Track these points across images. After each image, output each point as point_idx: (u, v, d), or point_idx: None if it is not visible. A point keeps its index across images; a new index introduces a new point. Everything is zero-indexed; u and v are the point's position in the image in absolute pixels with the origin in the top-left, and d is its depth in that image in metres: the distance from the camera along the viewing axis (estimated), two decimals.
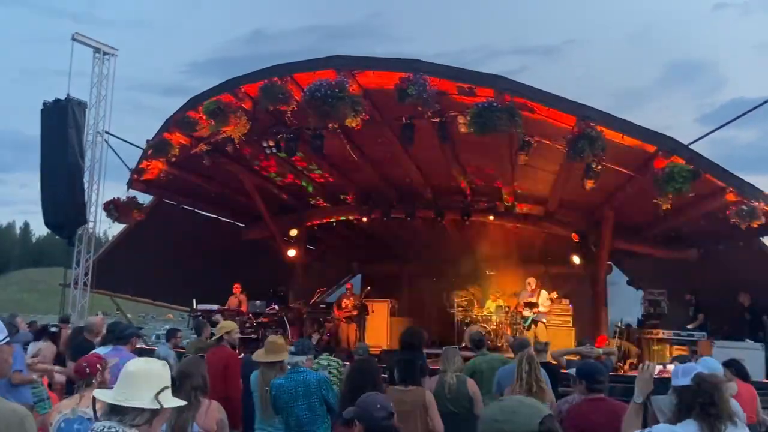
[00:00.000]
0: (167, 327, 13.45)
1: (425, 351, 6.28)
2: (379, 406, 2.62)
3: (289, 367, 4.53)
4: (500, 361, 6.12)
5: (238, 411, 5.33)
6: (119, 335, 4.39)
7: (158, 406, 1.93)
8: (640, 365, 3.29)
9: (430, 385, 5.12)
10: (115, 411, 1.91)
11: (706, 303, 10.99)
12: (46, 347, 7.12)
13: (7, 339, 2.17)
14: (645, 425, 2.99)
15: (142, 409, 1.91)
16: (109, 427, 1.86)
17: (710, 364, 3.44)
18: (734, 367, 4.97)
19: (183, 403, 2.12)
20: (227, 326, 5.58)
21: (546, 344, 6.61)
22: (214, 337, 5.52)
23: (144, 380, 1.95)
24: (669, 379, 3.10)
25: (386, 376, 5.28)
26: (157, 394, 1.93)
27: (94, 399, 2.10)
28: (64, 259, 15.18)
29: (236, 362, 5.50)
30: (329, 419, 4.39)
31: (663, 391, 3.14)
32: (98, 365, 3.39)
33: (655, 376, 3.27)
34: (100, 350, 4.38)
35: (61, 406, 3.29)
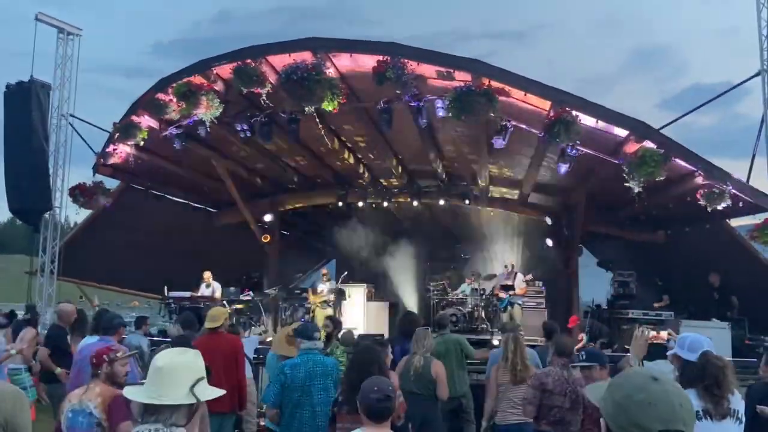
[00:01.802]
0: (134, 314, 13.22)
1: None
2: (376, 388, 2.68)
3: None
4: (456, 342, 6.38)
5: (246, 394, 5.43)
6: (106, 325, 4.28)
7: (195, 400, 1.79)
8: (636, 330, 3.38)
9: (398, 367, 5.24)
10: (150, 410, 1.78)
11: (673, 284, 11.32)
12: (26, 331, 6.97)
13: None
14: None
15: (179, 406, 1.78)
16: (157, 429, 1.73)
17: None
18: None
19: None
20: (222, 313, 5.48)
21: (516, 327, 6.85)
22: (207, 326, 5.39)
23: (177, 374, 1.80)
24: (659, 344, 3.18)
25: None
26: (192, 386, 1.79)
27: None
28: (26, 246, 14.77)
29: (242, 348, 5.53)
30: None
31: (656, 355, 3.22)
32: (104, 356, 3.27)
33: (649, 341, 3.37)
34: (87, 340, 4.28)
35: (71, 396, 3.20)
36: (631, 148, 8.44)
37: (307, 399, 4.20)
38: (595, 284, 13.18)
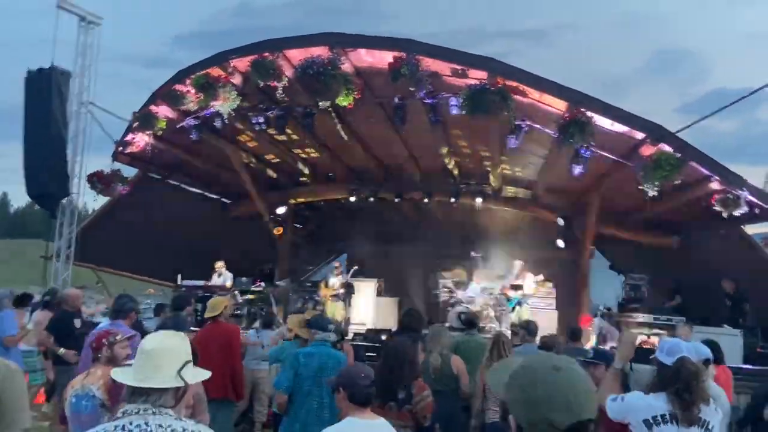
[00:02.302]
0: (149, 302, 13.42)
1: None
2: (363, 375, 2.82)
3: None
4: (483, 346, 6.19)
5: (242, 382, 5.50)
6: (118, 309, 4.38)
7: (182, 383, 1.83)
8: (622, 332, 3.40)
9: None
10: (138, 392, 1.80)
11: (686, 289, 11.22)
12: (41, 314, 7.11)
13: None
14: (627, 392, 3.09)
15: (166, 389, 1.81)
16: (145, 410, 1.77)
17: (700, 349, 3.50)
18: (710, 349, 5.12)
19: (208, 374, 2.01)
20: (220, 302, 5.57)
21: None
22: (207, 315, 5.49)
23: (163, 357, 1.83)
24: (649, 350, 3.18)
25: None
26: (180, 370, 1.83)
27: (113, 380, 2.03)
28: (44, 231, 14.99)
29: (238, 336, 5.60)
30: None
31: (643, 359, 3.21)
32: (104, 340, 3.33)
33: (636, 345, 3.36)
34: (101, 325, 4.38)
35: (74, 381, 3.24)
36: (647, 151, 8.37)
37: (317, 390, 4.23)
38: (606, 287, 13.11)
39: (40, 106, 10.83)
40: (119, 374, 1.90)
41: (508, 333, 6.81)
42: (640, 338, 5.89)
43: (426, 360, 5.25)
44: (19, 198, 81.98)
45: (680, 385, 2.79)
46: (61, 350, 5.87)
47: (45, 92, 10.80)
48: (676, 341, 3.13)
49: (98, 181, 11.74)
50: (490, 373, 1.83)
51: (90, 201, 12.41)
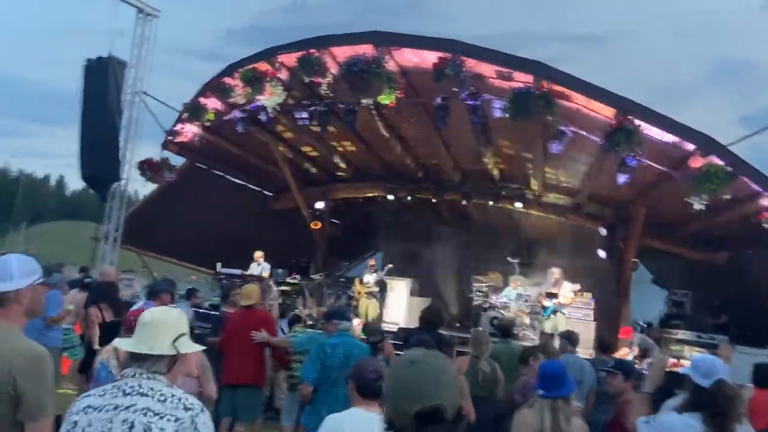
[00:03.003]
0: (191, 287, 13.78)
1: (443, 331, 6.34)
2: (371, 368, 2.92)
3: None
4: (517, 353, 6.10)
5: (263, 369, 5.63)
6: (150, 290, 4.55)
7: (175, 352, 2.00)
8: (653, 355, 3.30)
9: (459, 366, 5.20)
10: (135, 358, 1.99)
11: (731, 307, 10.80)
12: (80, 296, 7.39)
13: (42, 279, 2.19)
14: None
15: (161, 356, 1.98)
16: (140, 374, 1.96)
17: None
18: (761, 371, 4.95)
19: (201, 348, 2.18)
20: (253, 290, 5.68)
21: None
22: (242, 303, 5.62)
23: (160, 328, 2.02)
24: (679, 374, 3.02)
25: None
26: (174, 340, 2.00)
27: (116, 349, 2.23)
28: (96, 214, 15.59)
29: (272, 324, 5.71)
30: None
31: (674, 384, 3.08)
32: (132, 318, 3.50)
33: (667, 369, 3.25)
34: (137, 304, 4.56)
35: (104, 350, 3.54)
36: (696, 162, 8.09)
37: (343, 379, 4.29)
38: (648, 301, 12.74)
39: (97, 93, 11.29)
40: (121, 343, 2.13)
41: (556, 343, 6.69)
42: (670, 361, 5.70)
43: (474, 366, 5.23)
44: (76, 182, 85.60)
45: (717, 410, 2.70)
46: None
47: (102, 81, 11.25)
48: (713, 360, 2.97)
49: (148, 168, 12.15)
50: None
51: (140, 187, 12.87)
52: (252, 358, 5.36)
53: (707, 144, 7.97)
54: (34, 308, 2.18)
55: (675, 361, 5.34)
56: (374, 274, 12.09)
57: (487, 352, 5.31)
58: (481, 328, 10.43)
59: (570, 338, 6.38)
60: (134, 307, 4.37)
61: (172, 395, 1.94)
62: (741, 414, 2.76)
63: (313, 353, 4.50)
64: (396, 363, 1.50)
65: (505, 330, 6.59)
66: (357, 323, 6.84)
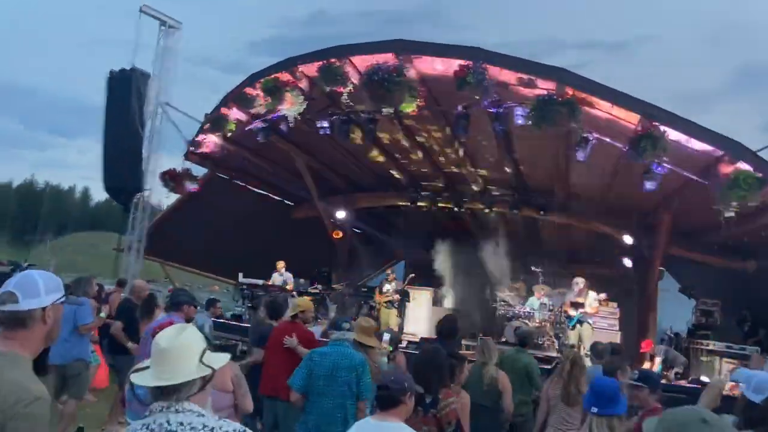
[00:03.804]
0: (213, 297, 13.84)
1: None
2: (392, 379, 2.89)
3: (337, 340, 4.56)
4: (525, 367, 5.93)
5: None
6: (172, 302, 4.51)
7: (209, 371, 1.81)
8: (713, 377, 3.15)
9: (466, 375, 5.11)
10: (167, 391, 1.77)
11: (762, 317, 10.51)
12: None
13: (63, 298, 1.96)
14: None
15: (193, 380, 1.78)
16: (167, 407, 1.75)
17: None
18: None
19: (227, 357, 1.98)
20: (303, 304, 5.65)
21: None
22: (289, 314, 5.61)
23: (181, 351, 1.81)
24: (735, 398, 2.87)
25: None
26: (200, 358, 1.81)
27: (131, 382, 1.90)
28: (119, 225, 15.80)
29: (314, 343, 5.44)
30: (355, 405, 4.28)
31: (728, 408, 2.93)
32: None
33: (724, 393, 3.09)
34: (160, 317, 4.53)
35: (135, 368, 3.40)
36: (724, 169, 7.91)
37: (330, 389, 4.22)
38: (676, 311, 12.47)
39: (120, 105, 11.46)
40: (139, 378, 1.84)
41: (587, 360, 6.51)
42: (728, 385, 5.49)
43: (480, 371, 5.14)
44: (100, 193, 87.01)
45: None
46: (130, 344, 6.10)
47: (125, 92, 11.41)
48: (764, 376, 2.86)
49: (170, 179, 12.29)
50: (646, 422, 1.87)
51: (163, 198, 13.02)
52: (282, 372, 5.26)
53: (735, 149, 7.79)
54: (56, 329, 1.94)
55: (733, 384, 5.07)
56: (393, 284, 12.02)
57: (494, 359, 5.20)
58: (504, 338, 10.32)
59: (594, 350, 6.23)
60: (159, 321, 4.33)
61: (204, 426, 1.73)
62: None
63: (302, 361, 4.46)
64: (683, 417, 1.44)
65: (521, 340, 6.48)
66: (386, 338, 6.72)
